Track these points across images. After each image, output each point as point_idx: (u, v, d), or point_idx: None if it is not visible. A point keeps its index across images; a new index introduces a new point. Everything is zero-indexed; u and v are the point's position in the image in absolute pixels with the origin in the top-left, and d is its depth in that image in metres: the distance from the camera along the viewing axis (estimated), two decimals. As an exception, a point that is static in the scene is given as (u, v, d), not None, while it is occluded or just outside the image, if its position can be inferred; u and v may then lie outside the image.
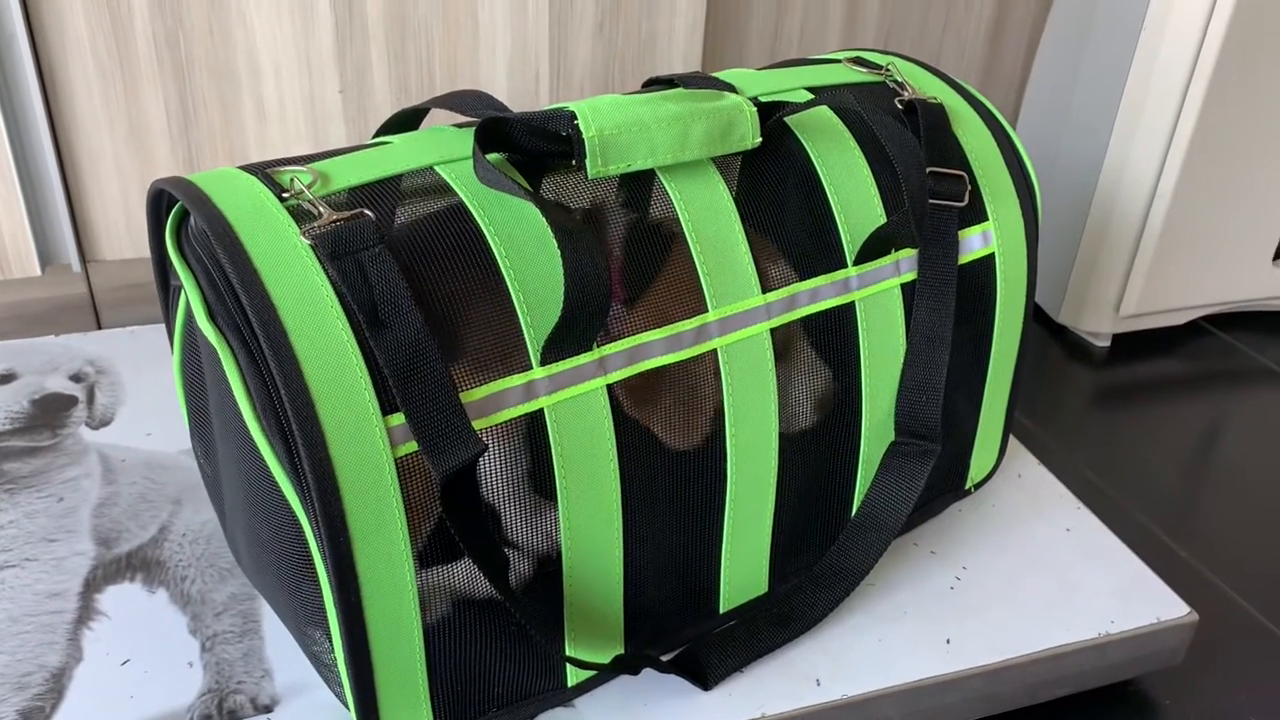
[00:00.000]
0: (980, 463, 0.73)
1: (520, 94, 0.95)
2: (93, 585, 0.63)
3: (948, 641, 0.62)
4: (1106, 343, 1.09)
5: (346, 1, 0.87)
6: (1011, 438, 0.81)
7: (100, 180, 0.88)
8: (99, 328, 0.95)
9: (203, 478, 0.65)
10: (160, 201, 0.52)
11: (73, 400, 0.78)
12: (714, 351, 0.55)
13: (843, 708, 0.58)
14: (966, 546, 0.70)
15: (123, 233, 0.91)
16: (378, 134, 0.58)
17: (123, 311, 0.95)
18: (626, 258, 0.54)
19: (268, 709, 0.56)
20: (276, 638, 0.60)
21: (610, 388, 0.52)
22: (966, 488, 0.73)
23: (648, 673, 0.58)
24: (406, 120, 0.59)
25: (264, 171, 0.50)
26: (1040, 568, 0.68)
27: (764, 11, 1.05)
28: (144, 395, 0.80)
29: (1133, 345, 1.10)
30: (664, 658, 0.58)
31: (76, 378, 0.81)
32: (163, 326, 0.88)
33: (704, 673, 0.58)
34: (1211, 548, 0.83)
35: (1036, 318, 1.14)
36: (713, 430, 0.56)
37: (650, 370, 0.53)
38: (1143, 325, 1.10)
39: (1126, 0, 0.98)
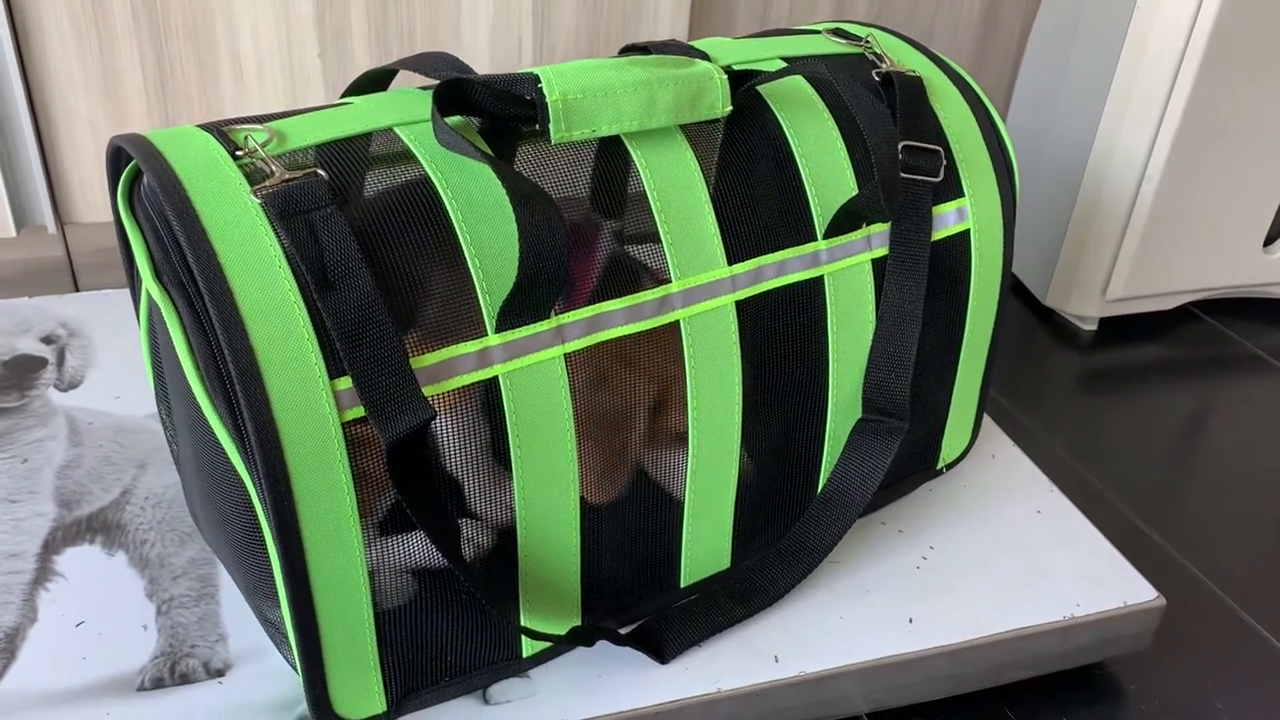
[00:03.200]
0: (953, 442, 0.72)
1: (502, 62, 0.94)
2: (51, 546, 0.62)
3: (910, 620, 0.62)
4: (1093, 326, 1.09)
5: (326, -36, 0.86)
6: (988, 419, 0.80)
7: (76, 141, 0.87)
8: (76, 290, 0.95)
9: (168, 442, 0.64)
10: (119, 159, 0.51)
11: (43, 362, 0.78)
12: (676, 323, 0.54)
13: (800, 684, 0.58)
14: (935, 526, 0.69)
15: (99, 195, 0.90)
16: (344, 94, 0.58)
17: (101, 275, 0.95)
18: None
19: (220, 673, 0.55)
20: (233, 603, 0.60)
21: (567, 359, 0.51)
22: (939, 467, 0.73)
23: (604, 645, 0.58)
24: (374, 81, 0.58)
25: (220, 130, 0.49)
26: (1008, 549, 0.68)
27: (754, -16, 1.04)
28: (115, 359, 0.79)
29: (1120, 329, 1.09)
30: (622, 631, 0.57)
31: (48, 340, 0.81)
32: (137, 290, 0.87)
33: (661, 647, 0.58)
34: (1188, 534, 0.82)
35: (1023, 300, 1.13)
36: (674, 402, 0.55)
37: (609, 340, 0.52)
38: (1131, 309, 1.09)
39: (1121, -21, 0.97)
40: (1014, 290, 1.14)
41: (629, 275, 0.53)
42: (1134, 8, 0.95)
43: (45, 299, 0.86)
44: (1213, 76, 0.94)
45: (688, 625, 0.59)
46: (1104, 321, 1.09)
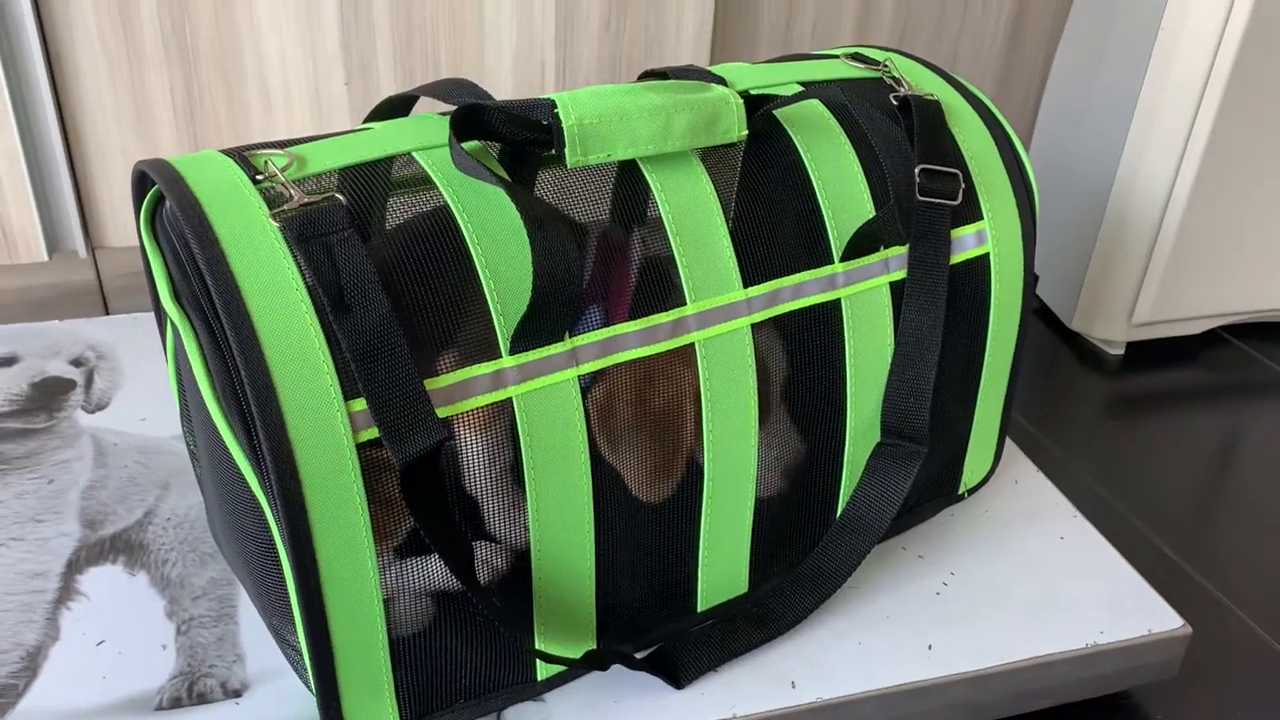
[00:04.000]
0: (974, 468, 0.72)
1: (526, 89, 0.95)
2: (75, 566, 0.63)
3: (930, 647, 0.61)
4: (1120, 351, 1.07)
5: (352, -6, 0.87)
6: (1011, 443, 0.79)
7: (107, 168, 0.89)
8: (106, 313, 0.96)
9: (191, 462, 0.65)
10: (144, 184, 0.52)
11: (71, 384, 0.79)
12: (691, 346, 0.54)
13: (817, 711, 0.57)
14: (956, 551, 0.68)
15: (129, 221, 0.92)
16: (366, 120, 0.58)
17: (130, 298, 0.96)
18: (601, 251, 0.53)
19: (237, 694, 0.56)
20: (252, 624, 0.60)
21: (582, 381, 0.51)
22: (960, 493, 0.72)
23: (620, 670, 0.57)
24: (396, 106, 0.59)
25: (241, 155, 0.50)
26: (1030, 575, 0.67)
27: (774, 10, 1.05)
28: (141, 381, 0.80)
29: (1147, 354, 1.08)
30: (637, 655, 0.57)
31: (77, 362, 0.82)
32: (165, 314, 0.89)
33: (677, 671, 0.58)
34: (1217, 562, 0.81)
35: (1049, 324, 1.12)
36: (690, 425, 0.55)
37: (624, 363, 0.52)
38: (1158, 334, 1.08)
39: (1144, 4, 0.96)
40: (1039, 314, 1.13)
41: (660, 292, 0.53)
42: (1159, 29, 0.95)
43: (75, 322, 0.87)
44: (1238, 98, 0.93)
45: (704, 650, 0.59)
46: (1131, 346, 1.08)
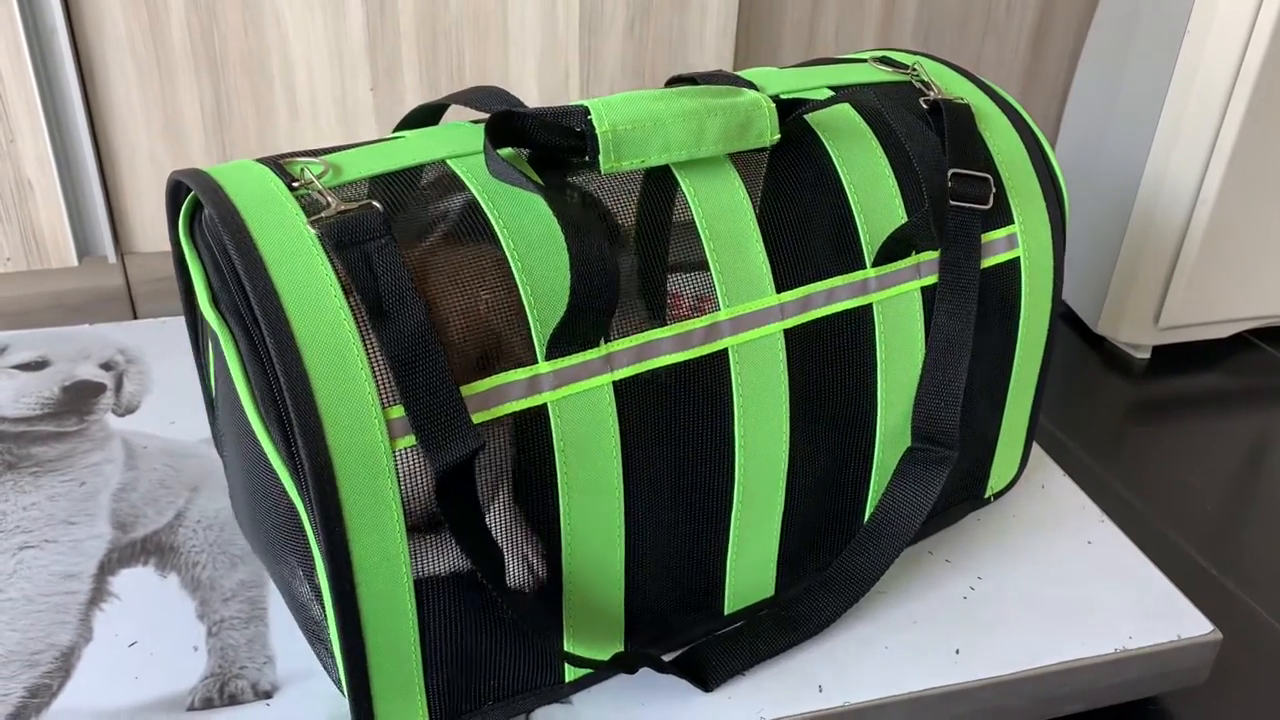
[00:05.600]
0: (1001, 471, 0.71)
1: (550, 95, 0.95)
2: (107, 568, 0.64)
3: (957, 651, 0.61)
4: (1146, 355, 1.07)
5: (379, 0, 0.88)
6: (1039, 448, 0.79)
7: (137, 174, 0.90)
8: (135, 318, 0.97)
9: (223, 464, 0.66)
10: (179, 193, 0.53)
11: (101, 388, 0.80)
12: (725, 351, 0.54)
13: (844, 715, 0.57)
14: (983, 556, 0.68)
15: (159, 226, 0.93)
16: (397, 129, 0.59)
17: (158, 303, 0.97)
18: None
19: (268, 695, 0.56)
20: (282, 625, 0.60)
21: (616, 386, 0.51)
22: (986, 496, 0.72)
23: (647, 673, 0.58)
24: (426, 115, 0.60)
25: (277, 162, 0.50)
26: (1058, 580, 0.67)
27: (798, 13, 1.05)
28: (171, 384, 0.81)
29: (1174, 358, 1.07)
30: (665, 658, 0.57)
31: (107, 366, 0.83)
32: (193, 318, 0.89)
33: (704, 674, 0.58)
34: (1246, 568, 0.80)
35: (1075, 328, 1.11)
36: (722, 431, 0.55)
37: (658, 368, 0.53)
38: (1184, 337, 1.07)
39: (1170, 5, 0.96)
40: (1065, 318, 1.13)
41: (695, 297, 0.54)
42: (1185, 31, 0.94)
43: (105, 326, 0.88)
44: (1266, 99, 0.93)
45: (731, 653, 0.59)
46: (1157, 350, 1.08)
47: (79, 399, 0.79)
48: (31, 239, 0.89)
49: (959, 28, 1.11)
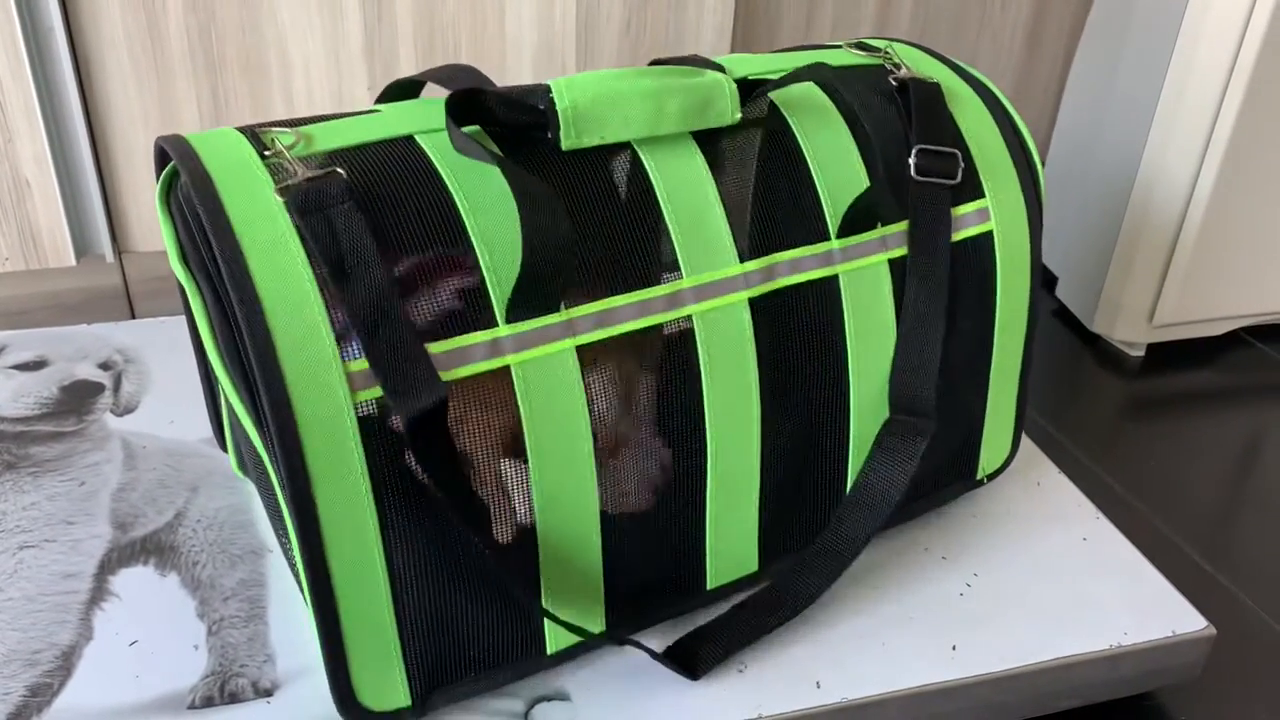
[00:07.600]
0: (992, 451, 0.72)
1: (547, 92, 0.96)
2: (107, 567, 0.64)
3: (954, 648, 0.61)
4: (1141, 352, 1.07)
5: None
6: (1033, 445, 0.79)
7: (135, 173, 0.90)
8: (133, 317, 0.97)
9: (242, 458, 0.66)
10: (164, 158, 0.54)
11: (100, 387, 0.80)
12: (689, 318, 0.55)
13: (842, 711, 0.58)
14: (978, 552, 0.69)
15: (156, 225, 0.93)
16: (377, 101, 0.60)
17: (156, 302, 0.97)
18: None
19: (268, 693, 0.56)
20: (281, 624, 0.61)
21: (580, 352, 0.52)
22: (979, 478, 0.72)
23: (645, 670, 0.58)
24: (404, 89, 0.61)
25: (253, 131, 0.52)
26: (1053, 577, 0.67)
27: (794, 11, 1.05)
28: (169, 384, 0.81)
29: (1168, 355, 1.08)
30: (656, 648, 0.57)
31: (105, 365, 0.83)
32: (191, 317, 0.90)
33: (693, 663, 0.58)
34: (1240, 564, 0.81)
35: (1069, 326, 1.12)
36: (691, 399, 0.56)
37: (620, 335, 0.53)
38: (1179, 335, 1.08)
39: (1165, 2, 0.96)
40: (1059, 316, 1.13)
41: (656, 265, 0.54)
42: (1180, 27, 0.95)
43: (103, 326, 0.89)
44: (1261, 97, 0.93)
45: (717, 639, 0.59)
46: (1152, 347, 1.08)
47: (78, 399, 0.79)
48: (29, 239, 0.89)
49: (954, 25, 1.11)
